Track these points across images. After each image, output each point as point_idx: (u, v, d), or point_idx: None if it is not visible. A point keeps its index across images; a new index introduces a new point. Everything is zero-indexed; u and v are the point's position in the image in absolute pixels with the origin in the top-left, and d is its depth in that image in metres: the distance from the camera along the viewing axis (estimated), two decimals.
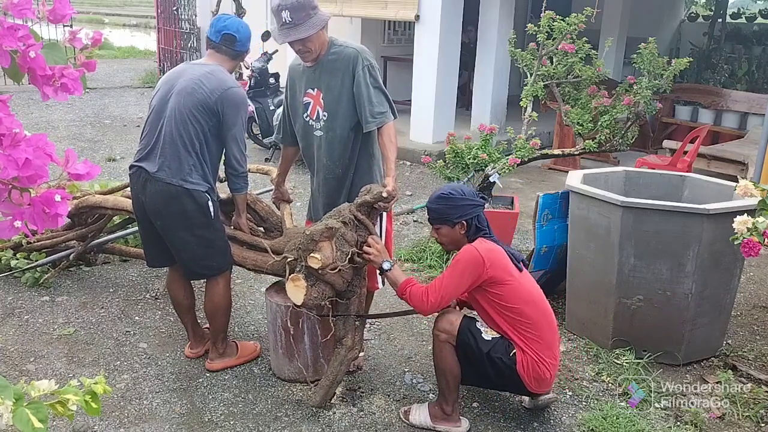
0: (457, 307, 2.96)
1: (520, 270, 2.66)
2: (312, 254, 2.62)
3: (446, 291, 2.59)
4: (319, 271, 2.63)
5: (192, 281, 3.23)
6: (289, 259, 2.77)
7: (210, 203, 2.90)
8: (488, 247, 2.61)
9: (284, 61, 7.85)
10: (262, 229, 3.27)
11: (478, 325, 2.71)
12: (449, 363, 2.70)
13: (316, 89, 2.97)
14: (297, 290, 2.68)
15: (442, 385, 2.76)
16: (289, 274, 2.73)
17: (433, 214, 2.74)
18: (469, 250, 2.60)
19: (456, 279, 2.58)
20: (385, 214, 2.93)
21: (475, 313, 2.86)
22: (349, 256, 2.68)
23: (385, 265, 2.71)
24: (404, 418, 2.83)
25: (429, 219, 2.80)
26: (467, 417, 2.88)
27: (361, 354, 3.46)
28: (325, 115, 2.97)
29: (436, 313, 2.81)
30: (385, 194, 2.69)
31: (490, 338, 2.65)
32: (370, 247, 2.73)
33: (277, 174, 3.40)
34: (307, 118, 3.03)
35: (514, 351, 2.60)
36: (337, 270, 2.66)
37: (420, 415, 2.81)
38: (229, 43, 2.97)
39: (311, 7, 2.80)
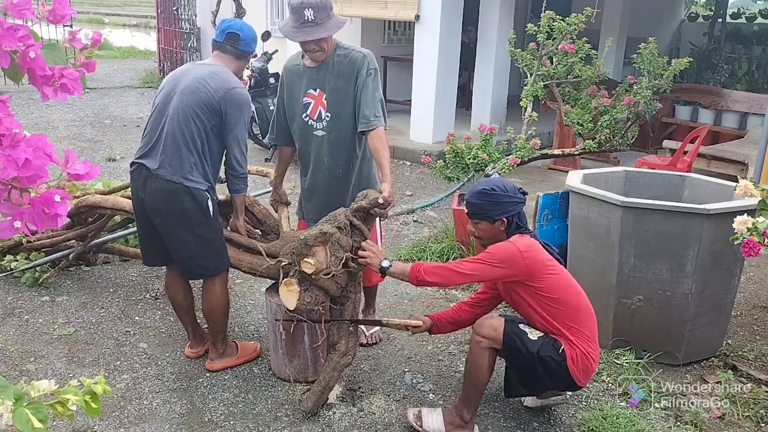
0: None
1: (561, 263, 2.65)
2: (305, 259, 2.60)
3: (473, 272, 2.57)
4: (313, 276, 2.61)
5: (191, 281, 3.23)
6: (283, 263, 2.76)
7: (210, 202, 2.90)
8: (526, 242, 2.57)
9: (284, 61, 7.84)
10: (259, 231, 3.27)
11: (522, 326, 2.63)
12: (485, 371, 2.62)
13: (318, 90, 2.98)
14: (290, 295, 2.66)
15: (469, 392, 2.68)
16: (283, 279, 2.72)
17: (472, 208, 2.67)
18: (507, 246, 2.56)
19: (487, 267, 2.55)
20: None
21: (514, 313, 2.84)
22: (344, 261, 2.67)
23: (385, 263, 2.68)
24: (416, 424, 2.74)
25: (468, 213, 2.73)
26: None
27: (377, 328, 3.47)
28: (328, 116, 2.99)
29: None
30: (381, 200, 2.67)
31: (536, 338, 2.57)
32: (365, 251, 2.71)
33: (274, 175, 3.41)
34: (307, 119, 3.04)
35: (562, 347, 2.55)
36: (330, 275, 2.64)
37: (434, 421, 2.73)
38: (233, 41, 2.98)
39: (331, 7, 2.87)
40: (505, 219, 2.62)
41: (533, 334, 2.59)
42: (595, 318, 2.68)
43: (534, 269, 2.54)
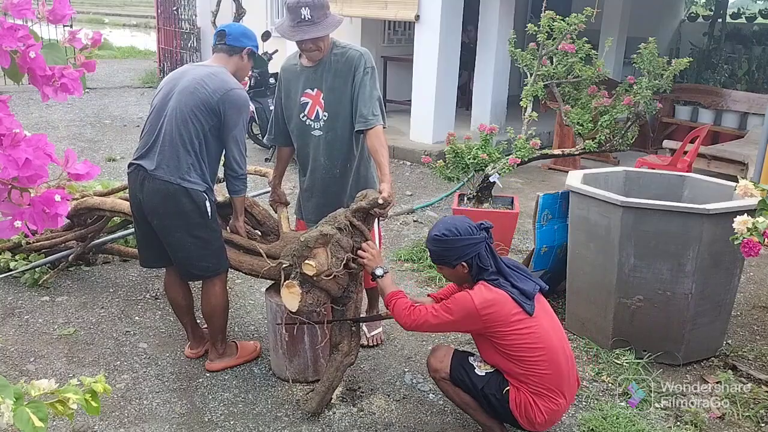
0: None
1: (529, 312, 2.41)
2: (306, 261, 2.59)
3: (430, 323, 2.48)
4: (314, 278, 2.61)
5: (190, 282, 3.23)
6: (284, 265, 2.76)
7: (207, 203, 2.90)
8: (487, 297, 2.40)
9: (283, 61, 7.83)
10: (258, 232, 3.27)
11: (471, 359, 2.58)
12: (464, 395, 2.57)
13: (315, 89, 2.98)
14: (292, 297, 2.65)
15: (480, 419, 2.63)
16: (284, 281, 2.71)
17: (431, 255, 2.61)
18: (465, 300, 2.42)
19: (445, 320, 2.46)
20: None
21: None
22: (345, 262, 2.66)
23: (378, 271, 2.67)
24: None
25: (430, 257, 2.67)
26: (468, 416, 2.88)
27: (378, 330, 3.47)
28: (325, 116, 2.98)
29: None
30: (381, 200, 2.66)
31: (484, 373, 2.52)
32: (365, 251, 2.71)
33: (273, 176, 3.41)
34: (304, 118, 3.04)
35: (507, 388, 2.48)
36: (332, 276, 2.63)
37: None
38: (221, 38, 3.00)
39: (328, 6, 2.86)
40: (464, 263, 2.49)
41: (481, 369, 2.53)
42: (563, 375, 2.48)
43: (492, 326, 2.41)
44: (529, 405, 2.45)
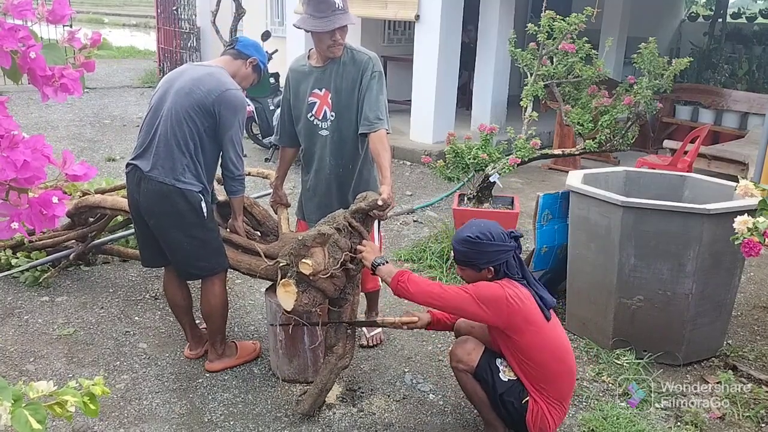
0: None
1: (548, 318, 2.46)
2: (303, 260, 2.59)
3: (453, 301, 2.43)
4: (311, 277, 2.60)
5: (189, 282, 3.22)
6: (281, 264, 2.76)
7: (203, 203, 2.89)
8: (516, 292, 2.40)
9: (284, 60, 7.83)
10: (258, 233, 3.26)
11: (498, 362, 2.55)
12: (480, 390, 2.56)
13: (324, 89, 3.00)
14: (288, 296, 2.65)
15: (487, 416, 2.62)
16: (281, 279, 2.71)
17: (458, 255, 2.54)
18: (495, 288, 2.41)
19: (469, 302, 2.41)
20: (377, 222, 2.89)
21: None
22: (342, 260, 2.66)
23: (378, 260, 2.62)
24: None
25: (454, 258, 2.63)
26: (468, 417, 2.88)
27: (378, 331, 3.46)
28: (332, 116, 3.00)
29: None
30: (380, 202, 2.65)
31: (507, 380, 2.50)
32: (363, 246, 2.68)
33: (275, 176, 3.41)
34: (312, 118, 3.05)
35: (527, 399, 2.47)
36: (328, 276, 2.62)
37: None
38: (233, 44, 3.07)
39: None
40: (491, 268, 2.47)
41: (505, 375, 2.52)
42: (574, 380, 2.56)
43: (515, 322, 2.40)
44: (544, 416, 2.46)
